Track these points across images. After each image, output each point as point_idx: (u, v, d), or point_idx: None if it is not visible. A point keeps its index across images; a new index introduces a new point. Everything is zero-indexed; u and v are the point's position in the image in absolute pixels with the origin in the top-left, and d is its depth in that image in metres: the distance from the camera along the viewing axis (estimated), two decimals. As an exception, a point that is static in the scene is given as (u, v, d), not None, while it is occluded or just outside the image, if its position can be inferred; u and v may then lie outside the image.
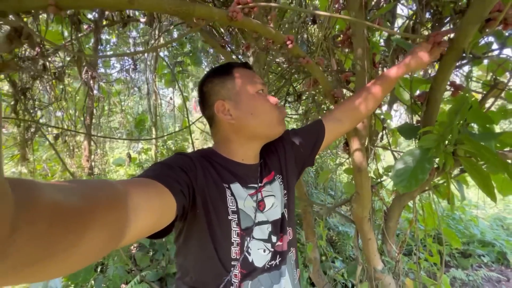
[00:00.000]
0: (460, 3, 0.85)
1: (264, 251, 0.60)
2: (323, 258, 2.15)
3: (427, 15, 1.15)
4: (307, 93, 1.99)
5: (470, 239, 2.69)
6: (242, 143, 0.65)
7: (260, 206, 0.62)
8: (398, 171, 0.76)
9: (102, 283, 1.95)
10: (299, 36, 1.52)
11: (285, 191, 0.70)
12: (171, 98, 4.12)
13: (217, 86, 0.64)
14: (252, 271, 0.57)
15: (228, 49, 1.85)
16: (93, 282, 2.11)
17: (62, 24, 1.39)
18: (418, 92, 0.98)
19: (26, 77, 1.13)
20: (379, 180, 1.22)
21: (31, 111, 1.16)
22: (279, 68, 2.19)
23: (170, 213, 0.47)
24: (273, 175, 0.70)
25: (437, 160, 0.98)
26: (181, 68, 3.83)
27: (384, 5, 0.92)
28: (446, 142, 0.74)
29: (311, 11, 0.74)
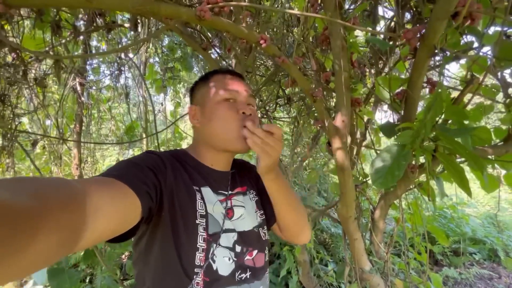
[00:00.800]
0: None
1: (229, 259, 0.58)
2: (316, 261, 2.14)
3: (408, 17, 1.17)
4: (297, 96, 1.99)
5: (461, 237, 2.71)
6: (208, 149, 0.64)
7: (228, 213, 0.61)
8: (376, 168, 0.76)
9: (90, 293, 1.90)
10: (287, 39, 1.54)
11: (261, 211, 0.69)
12: (162, 104, 4.10)
13: (195, 91, 0.66)
14: (215, 280, 0.54)
15: (215, 52, 1.85)
16: (80, 293, 2.06)
17: (43, 30, 1.37)
18: (397, 90, 0.99)
19: (3, 83, 1.11)
20: (364, 179, 1.22)
21: (9, 118, 1.13)
22: (269, 72, 2.20)
23: (134, 216, 0.45)
24: (246, 188, 0.69)
25: (421, 158, 0.99)
26: (172, 74, 3.82)
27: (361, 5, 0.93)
28: (422, 138, 0.74)
29: (285, 10, 0.74)
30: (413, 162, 0.98)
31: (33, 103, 2.12)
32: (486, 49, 0.96)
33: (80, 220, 0.32)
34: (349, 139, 1.06)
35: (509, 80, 0.89)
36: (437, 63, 0.95)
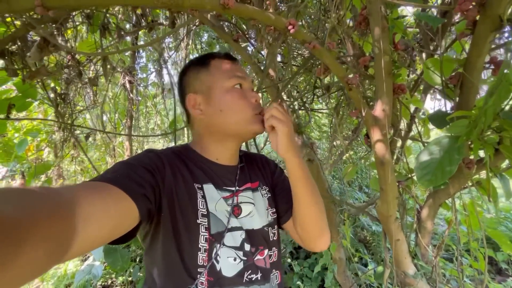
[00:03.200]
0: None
1: (235, 259, 0.55)
2: (355, 259, 2.04)
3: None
4: (336, 86, 1.89)
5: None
6: (215, 141, 0.61)
7: (234, 211, 0.58)
8: (422, 163, 0.67)
9: (139, 272, 2.10)
10: (323, 25, 1.45)
11: (272, 209, 0.65)
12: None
13: (191, 77, 0.61)
14: (220, 280, 0.52)
15: (250, 45, 1.84)
16: (131, 270, 2.28)
17: (94, 32, 1.51)
18: (452, 73, 0.86)
19: (63, 83, 1.26)
20: (409, 175, 1.10)
21: (67, 115, 1.29)
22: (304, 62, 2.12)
23: (130, 219, 0.44)
24: (257, 184, 0.65)
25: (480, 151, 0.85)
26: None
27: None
28: (482, 128, 0.63)
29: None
30: (470, 157, 0.85)
31: (90, 100, 2.38)
32: None
33: (69, 229, 0.31)
34: (391, 131, 0.97)
35: None
36: (504, 39, 0.79)
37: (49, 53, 0.90)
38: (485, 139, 0.68)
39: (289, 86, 1.51)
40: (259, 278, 0.56)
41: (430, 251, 1.12)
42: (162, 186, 0.51)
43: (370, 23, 0.81)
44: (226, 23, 1.33)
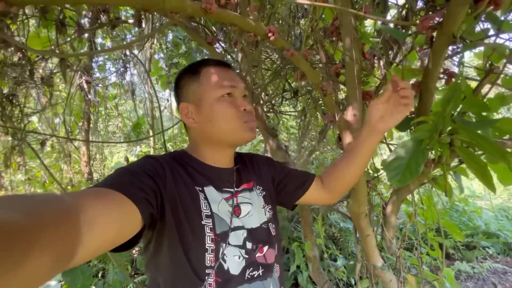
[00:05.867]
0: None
1: (239, 257, 0.56)
2: (325, 256, 2.13)
3: (420, 4, 1.12)
4: (303, 89, 1.96)
5: (474, 231, 2.65)
6: (210, 147, 0.62)
7: (235, 211, 0.60)
8: (392, 164, 0.73)
9: (102, 288, 1.94)
10: (292, 32, 1.50)
11: (269, 206, 0.67)
12: (167, 100, 4.10)
13: (183, 86, 0.62)
14: (228, 280, 0.53)
15: (220, 47, 1.82)
16: (93, 287, 2.10)
17: (48, 28, 1.37)
18: (411, 82, 0.95)
19: (11, 83, 1.11)
20: (376, 174, 1.19)
21: (18, 118, 1.14)
22: (274, 65, 2.16)
23: (133, 224, 0.44)
24: (252, 184, 0.67)
25: (433, 151, 0.95)
26: (177, 70, 3.82)
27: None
28: (440, 132, 0.71)
29: (294, 0, 0.70)
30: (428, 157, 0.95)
31: (40, 102, 2.14)
32: (505, 37, 0.91)
33: (74, 235, 0.32)
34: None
35: (532, 68, 0.84)
36: (455, 51, 0.90)
37: (-4, 50, 0.79)
38: (442, 141, 0.76)
39: (258, 89, 1.53)
40: (260, 274, 0.58)
41: (394, 244, 1.22)
42: (164, 191, 0.51)
43: (342, 33, 0.86)
44: (194, 24, 1.30)
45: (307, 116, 2.38)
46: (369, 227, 1.12)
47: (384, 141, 1.09)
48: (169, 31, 3.70)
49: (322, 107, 1.86)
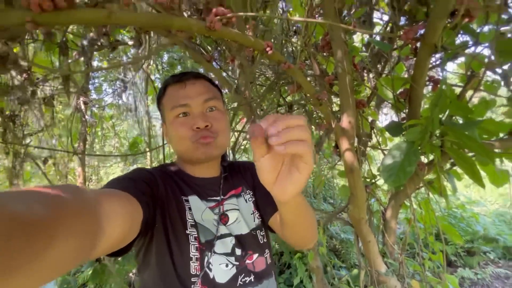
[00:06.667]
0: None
1: (227, 265, 0.56)
2: (328, 268, 2.11)
3: (403, 20, 1.21)
4: (298, 103, 2.02)
5: (473, 236, 2.66)
6: (186, 162, 0.63)
7: (222, 219, 0.60)
8: (387, 166, 0.77)
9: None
10: (284, 49, 1.58)
11: (258, 213, 0.65)
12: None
13: (159, 108, 0.65)
14: (214, 287, 0.54)
15: (216, 65, 1.89)
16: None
17: (51, 51, 1.42)
18: (400, 90, 1.01)
19: (14, 104, 1.14)
20: (373, 180, 1.22)
21: (20, 138, 1.16)
22: (268, 81, 2.24)
23: (138, 224, 0.46)
24: (240, 190, 0.66)
25: (426, 155, 0.99)
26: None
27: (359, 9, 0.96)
28: (430, 133, 0.75)
29: (288, 18, 0.77)
30: (422, 160, 0.99)
31: (39, 123, 2.15)
32: (483, 47, 0.98)
33: (95, 225, 0.32)
34: (356, 141, 1.08)
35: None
36: (437, 61, 0.97)
37: (6, 71, 0.83)
38: (433, 143, 0.81)
39: (254, 104, 1.58)
40: (252, 280, 0.58)
41: (397, 249, 1.23)
42: (157, 199, 0.53)
43: (333, 47, 0.93)
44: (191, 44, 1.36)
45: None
46: (370, 233, 1.13)
47: (379, 147, 1.14)
48: (165, 52, 3.81)
49: (317, 121, 1.92)
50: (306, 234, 0.56)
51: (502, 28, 0.91)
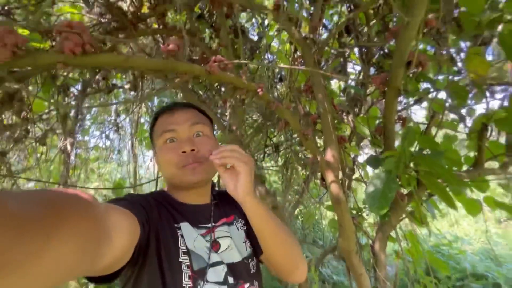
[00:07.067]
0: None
1: None
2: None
3: (372, 70, 1.42)
4: (284, 144, 2.14)
5: (463, 274, 2.65)
6: (176, 189, 0.64)
7: (214, 246, 0.59)
8: (370, 193, 0.84)
9: None
10: (270, 94, 1.75)
11: (249, 242, 0.65)
12: (151, 160, 4.12)
13: (151, 138, 0.67)
14: None
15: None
16: None
17: (48, 92, 1.49)
18: (375, 127, 1.14)
19: (9, 141, 1.15)
20: (359, 213, 1.27)
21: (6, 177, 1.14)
22: (255, 124, 2.38)
23: (134, 245, 0.46)
24: (232, 218, 0.66)
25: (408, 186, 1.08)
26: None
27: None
28: (405, 164, 0.85)
29: (275, 65, 0.90)
30: (402, 191, 1.07)
31: (22, 165, 2.10)
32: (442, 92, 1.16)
33: (100, 231, 0.32)
34: (340, 174, 1.15)
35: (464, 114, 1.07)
36: (404, 105, 1.13)
37: (11, 108, 0.88)
38: (410, 173, 0.90)
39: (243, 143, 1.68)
40: None
41: (388, 284, 1.22)
42: (151, 223, 0.53)
43: (314, 90, 1.06)
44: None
45: (288, 169, 2.52)
46: (361, 266, 1.13)
47: (362, 179, 1.22)
48: (155, 96, 3.98)
49: (302, 161, 2.02)
50: (287, 255, 0.61)
51: (456, 78, 1.10)
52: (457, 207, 0.94)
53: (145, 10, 1.33)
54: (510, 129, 0.94)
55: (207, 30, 1.61)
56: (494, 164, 1.13)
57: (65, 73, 1.33)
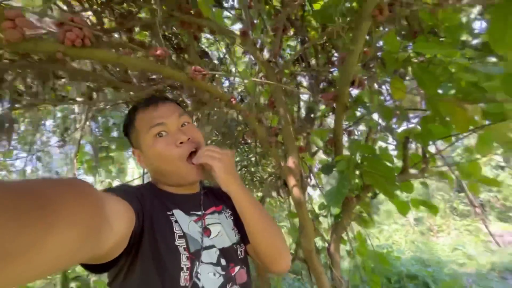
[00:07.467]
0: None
1: (214, 274, 0.57)
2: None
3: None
4: (240, 164, 2.24)
5: (399, 277, 3.04)
6: (168, 184, 0.65)
7: (205, 232, 0.61)
8: (328, 192, 0.97)
9: None
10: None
11: (237, 230, 0.68)
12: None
13: (128, 134, 0.66)
14: None
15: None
16: None
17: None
18: (327, 139, 1.33)
19: None
20: (316, 217, 1.40)
21: None
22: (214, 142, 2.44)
23: (130, 232, 0.48)
24: (221, 208, 0.69)
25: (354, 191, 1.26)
26: (107, 154, 3.66)
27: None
28: (353, 165, 1.02)
29: (253, 79, 1.02)
30: (351, 195, 1.25)
31: None
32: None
33: (101, 218, 0.33)
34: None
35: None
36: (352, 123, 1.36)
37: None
38: (357, 174, 1.07)
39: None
40: None
41: (344, 283, 1.34)
42: (145, 212, 0.54)
43: (276, 105, 1.21)
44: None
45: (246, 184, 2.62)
46: (320, 265, 1.24)
47: (317, 186, 1.37)
48: (99, 117, 3.71)
49: (256, 182, 2.15)
50: (272, 242, 0.64)
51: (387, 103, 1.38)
52: (394, 203, 1.15)
53: (112, 25, 1.34)
54: (424, 142, 1.22)
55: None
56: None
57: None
